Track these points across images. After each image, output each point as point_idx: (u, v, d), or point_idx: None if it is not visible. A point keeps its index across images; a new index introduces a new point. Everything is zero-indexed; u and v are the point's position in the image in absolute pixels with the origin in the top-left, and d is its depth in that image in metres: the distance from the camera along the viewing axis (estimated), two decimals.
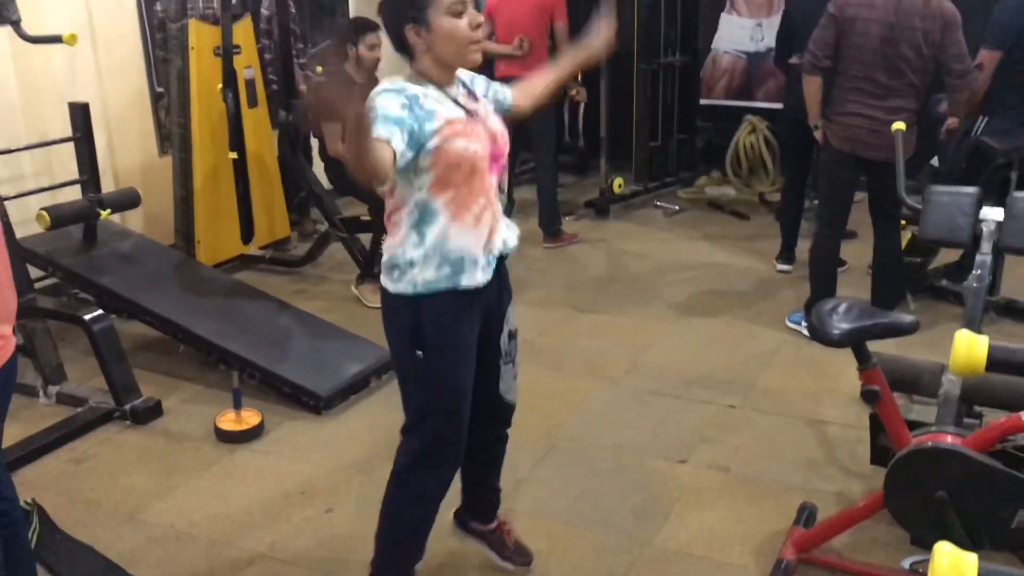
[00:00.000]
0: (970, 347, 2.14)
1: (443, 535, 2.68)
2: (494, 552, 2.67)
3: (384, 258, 2.22)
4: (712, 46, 7.09)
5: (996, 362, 2.18)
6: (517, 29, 5.44)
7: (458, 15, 2.07)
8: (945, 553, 1.34)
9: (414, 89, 2.09)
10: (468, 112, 2.17)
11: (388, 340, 2.28)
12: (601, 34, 2.50)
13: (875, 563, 2.65)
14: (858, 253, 5.19)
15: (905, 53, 3.84)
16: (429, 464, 2.32)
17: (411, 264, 2.14)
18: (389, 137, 1.95)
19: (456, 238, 2.14)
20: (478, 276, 2.19)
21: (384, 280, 2.21)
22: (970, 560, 1.32)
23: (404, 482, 2.36)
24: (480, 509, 2.66)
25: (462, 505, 2.67)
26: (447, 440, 2.31)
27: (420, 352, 2.19)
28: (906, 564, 2.63)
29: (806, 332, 4.13)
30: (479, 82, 2.33)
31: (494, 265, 2.24)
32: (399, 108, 2.02)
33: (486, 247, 2.20)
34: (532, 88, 2.53)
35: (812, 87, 4.12)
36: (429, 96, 2.11)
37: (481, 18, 2.13)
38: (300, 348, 4.06)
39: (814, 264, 4.34)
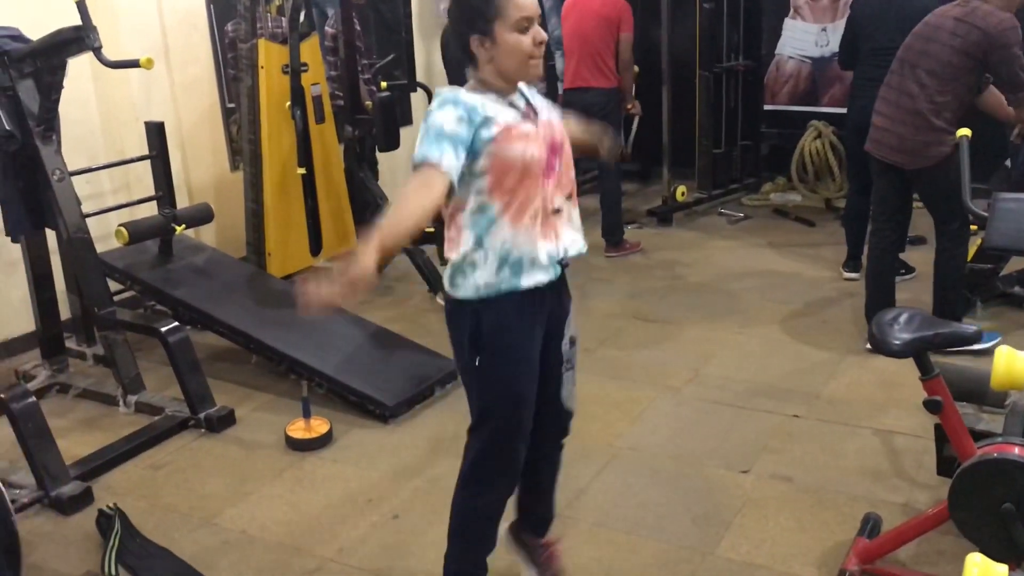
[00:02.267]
0: (1009, 363, 2.12)
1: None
2: (535, 569, 2.63)
3: (448, 268, 2.26)
4: (776, 51, 7.03)
5: None
6: (582, 38, 5.48)
7: (523, 31, 2.12)
8: (976, 564, 1.35)
9: (471, 99, 2.15)
10: (525, 116, 2.21)
11: (452, 345, 2.33)
12: (607, 150, 2.69)
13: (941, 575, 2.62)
14: (927, 260, 5.10)
15: (925, 64, 3.83)
16: (493, 463, 2.37)
17: (473, 267, 2.19)
18: (440, 159, 2.04)
19: (513, 240, 2.16)
20: (538, 276, 2.21)
21: (448, 288, 2.26)
22: (1001, 571, 1.32)
23: (470, 480, 2.41)
24: (532, 522, 2.64)
25: (516, 517, 2.65)
26: (509, 442, 2.34)
27: (479, 356, 2.23)
28: None
29: None
30: (540, 99, 2.36)
31: (556, 268, 2.26)
32: (455, 122, 2.08)
33: (545, 249, 2.22)
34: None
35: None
36: (487, 104, 2.15)
37: (544, 35, 2.17)
38: (367, 358, 4.15)
39: (869, 266, 4.36)
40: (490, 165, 2.13)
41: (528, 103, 2.28)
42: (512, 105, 2.21)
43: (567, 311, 2.40)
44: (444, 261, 2.29)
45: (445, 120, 2.09)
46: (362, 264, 1.92)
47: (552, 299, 2.32)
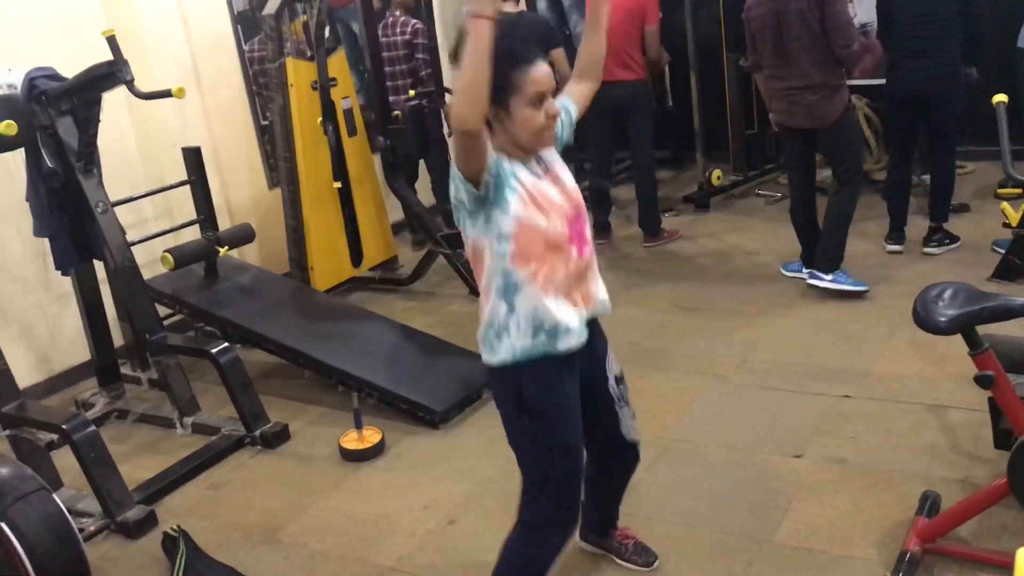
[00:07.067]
0: None
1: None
2: (615, 556, 2.78)
3: (480, 331, 2.27)
4: None
5: None
6: (608, 32, 5.41)
7: (537, 106, 2.11)
8: None
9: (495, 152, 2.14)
10: (550, 179, 2.21)
11: (497, 406, 2.34)
12: None
13: (1005, 551, 2.56)
14: (970, 229, 5.04)
15: (793, 34, 4.25)
16: (552, 523, 2.37)
17: (507, 332, 2.19)
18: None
19: (546, 308, 2.16)
20: (572, 341, 2.21)
21: (484, 353, 2.26)
22: None
23: (528, 538, 2.40)
24: (600, 528, 2.78)
25: (582, 524, 2.69)
26: (566, 501, 2.35)
27: (527, 417, 2.24)
28: None
29: (806, 279, 4.62)
30: (555, 157, 2.31)
31: (586, 326, 2.27)
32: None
33: (577, 316, 2.22)
34: (580, 81, 2.49)
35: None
36: (512, 161, 2.16)
37: (557, 109, 2.16)
38: (414, 365, 4.19)
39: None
40: (515, 231, 2.11)
41: (544, 166, 2.25)
42: (532, 172, 2.19)
43: (602, 352, 2.42)
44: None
45: None
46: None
47: (585, 349, 2.31)
